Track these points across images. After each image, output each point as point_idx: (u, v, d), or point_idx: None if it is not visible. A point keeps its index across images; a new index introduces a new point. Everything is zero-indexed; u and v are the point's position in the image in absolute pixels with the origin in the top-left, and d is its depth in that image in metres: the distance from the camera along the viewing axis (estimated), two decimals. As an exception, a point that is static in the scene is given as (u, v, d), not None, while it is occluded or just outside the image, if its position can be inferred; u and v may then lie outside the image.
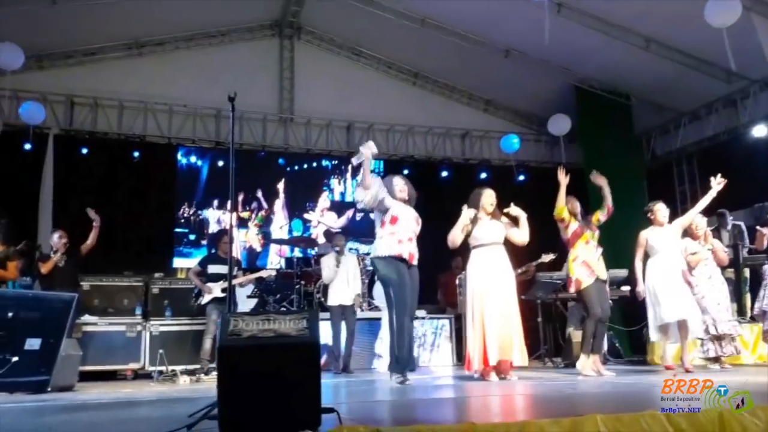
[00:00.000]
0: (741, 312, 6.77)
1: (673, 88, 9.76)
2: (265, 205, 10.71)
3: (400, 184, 5.02)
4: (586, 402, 3.44)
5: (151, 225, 9.74)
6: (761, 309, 5.64)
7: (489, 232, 5.26)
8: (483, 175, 11.04)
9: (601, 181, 5.62)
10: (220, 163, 10.45)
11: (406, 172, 9.71)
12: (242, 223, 10.50)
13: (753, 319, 6.26)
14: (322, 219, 10.95)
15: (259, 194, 10.79)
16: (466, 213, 5.21)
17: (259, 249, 10.61)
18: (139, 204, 9.71)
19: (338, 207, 11.18)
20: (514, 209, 5.29)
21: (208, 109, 10.27)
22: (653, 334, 5.81)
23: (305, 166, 11.15)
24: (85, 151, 9.68)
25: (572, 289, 5.60)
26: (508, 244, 5.38)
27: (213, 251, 7.25)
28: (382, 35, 10.53)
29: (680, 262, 5.75)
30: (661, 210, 5.79)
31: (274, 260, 10.54)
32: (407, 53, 11.06)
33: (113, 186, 9.63)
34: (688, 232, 5.99)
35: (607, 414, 2.37)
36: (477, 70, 10.71)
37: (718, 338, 5.73)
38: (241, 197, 10.51)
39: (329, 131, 11.12)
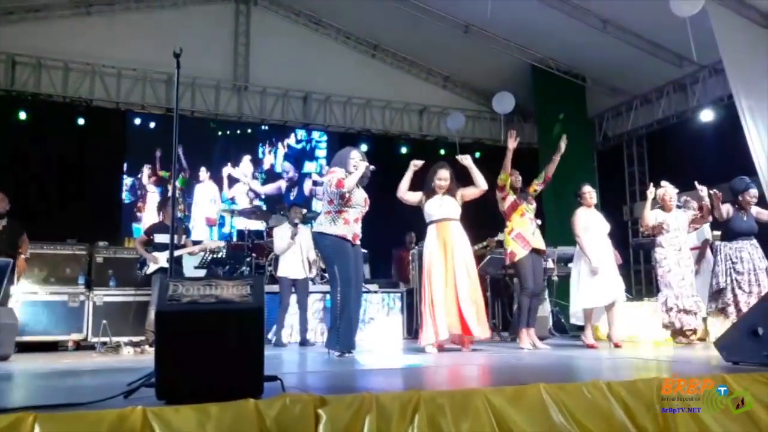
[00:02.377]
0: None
1: (627, 70, 9.94)
2: (185, 164, 10.04)
3: (356, 158, 4.91)
4: (530, 372, 3.49)
5: (97, 192, 9.40)
6: (717, 286, 5.72)
7: (441, 208, 5.30)
8: (442, 152, 10.99)
9: (562, 146, 5.66)
10: (152, 125, 9.96)
11: (363, 146, 9.65)
12: (159, 182, 9.94)
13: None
14: (248, 180, 10.63)
15: (180, 151, 10.00)
16: (413, 165, 5.28)
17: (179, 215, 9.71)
18: (85, 171, 9.35)
19: (269, 176, 10.86)
20: (461, 158, 5.36)
21: (158, 73, 9.95)
22: (575, 316, 5.84)
23: (238, 131, 10.75)
24: (27, 113, 9.23)
25: (507, 261, 5.72)
26: (472, 218, 5.44)
27: (159, 219, 7.04)
28: (342, 5, 10.35)
29: (609, 243, 5.81)
30: (589, 192, 5.84)
31: (203, 231, 10.08)
32: (367, 25, 10.92)
33: (57, 151, 9.26)
34: (660, 204, 6.00)
35: (550, 383, 2.41)
36: (436, 45, 10.65)
37: (681, 311, 5.72)
38: (158, 153, 9.97)
39: (285, 101, 10.92)
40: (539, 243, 5.61)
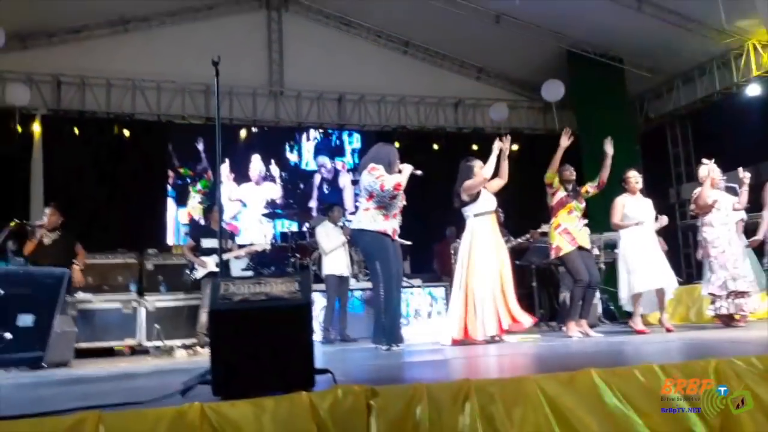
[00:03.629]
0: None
1: (666, 49, 9.67)
2: (207, 164, 10.07)
3: (395, 158, 4.94)
4: (580, 359, 3.45)
5: (143, 202, 9.66)
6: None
7: (490, 200, 5.32)
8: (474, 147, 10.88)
9: (609, 149, 5.58)
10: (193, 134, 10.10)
11: (397, 144, 9.64)
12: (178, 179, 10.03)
13: None
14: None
15: (200, 146, 10.09)
16: (498, 144, 5.19)
17: (203, 222, 9.39)
18: (131, 181, 9.62)
19: (293, 175, 10.78)
20: (500, 144, 5.28)
21: (197, 84, 10.15)
22: (626, 302, 5.71)
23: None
24: (73, 130, 9.55)
25: (553, 256, 5.65)
26: (510, 213, 5.41)
27: (206, 224, 7.20)
28: (371, 4, 10.37)
29: (653, 230, 5.70)
30: (634, 177, 5.70)
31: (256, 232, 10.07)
32: (396, 22, 10.90)
33: (104, 165, 9.54)
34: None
35: (601, 368, 2.38)
36: (467, 36, 10.55)
37: (735, 294, 5.48)
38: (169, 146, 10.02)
39: (320, 104, 11.01)
40: (585, 241, 5.56)
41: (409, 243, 5.80)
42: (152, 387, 3.05)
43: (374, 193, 4.74)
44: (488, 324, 4.98)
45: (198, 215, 10.01)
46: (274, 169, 10.68)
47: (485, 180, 5.22)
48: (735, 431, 2.30)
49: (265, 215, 9.74)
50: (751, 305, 5.56)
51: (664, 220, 6.01)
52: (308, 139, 11.02)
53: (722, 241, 5.59)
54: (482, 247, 5.16)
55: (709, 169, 5.77)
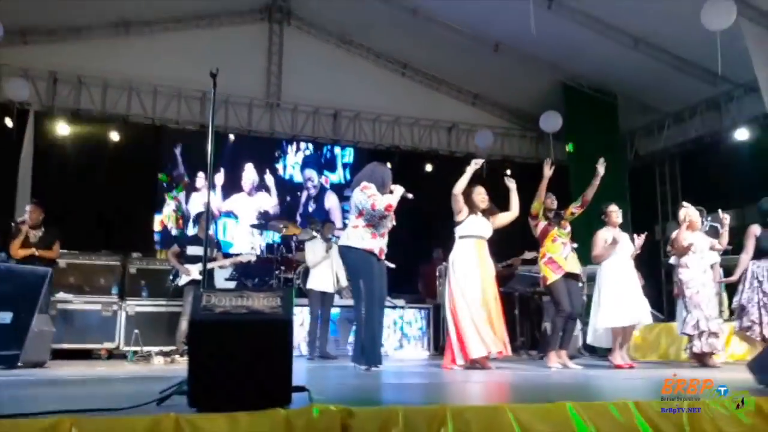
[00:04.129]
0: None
1: (659, 88, 9.85)
2: (183, 170, 10.06)
3: (388, 178, 4.99)
4: (557, 390, 3.46)
5: (131, 205, 9.62)
6: (739, 303, 5.65)
7: (480, 226, 5.35)
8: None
9: (600, 170, 5.62)
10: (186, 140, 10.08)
11: (389, 164, 9.66)
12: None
13: (731, 314, 6.29)
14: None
15: (177, 150, 10.02)
16: (475, 163, 5.26)
17: (175, 231, 9.74)
18: (120, 184, 9.58)
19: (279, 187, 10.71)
20: (509, 181, 5.47)
21: (194, 91, 10.18)
22: (594, 336, 5.77)
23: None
24: (66, 128, 9.53)
25: (542, 285, 5.70)
26: (497, 237, 5.46)
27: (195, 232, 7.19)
28: (373, 25, 10.48)
29: (631, 264, 5.77)
30: (615, 211, 5.80)
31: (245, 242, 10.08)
32: (397, 44, 11.02)
33: (94, 165, 9.50)
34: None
35: (578, 402, 2.39)
36: (466, 63, 10.70)
37: (709, 334, 5.59)
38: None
39: (316, 118, 11.07)
40: (573, 267, 5.57)
41: (392, 266, 5.82)
42: (129, 394, 3.03)
43: (364, 211, 4.76)
44: (488, 342, 5.02)
45: (171, 224, 9.95)
46: (269, 178, 10.67)
47: (455, 196, 5.27)
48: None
49: (254, 226, 9.72)
50: (719, 346, 5.67)
51: (640, 240, 6.01)
52: (298, 150, 11.01)
53: (697, 282, 5.73)
54: (463, 269, 5.21)
55: (686, 212, 5.92)
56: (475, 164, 5.26)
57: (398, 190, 4.80)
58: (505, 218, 5.46)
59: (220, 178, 10.21)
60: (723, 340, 5.76)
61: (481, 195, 5.38)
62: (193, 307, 2.24)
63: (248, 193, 10.46)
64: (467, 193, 5.35)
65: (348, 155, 11.31)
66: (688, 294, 5.73)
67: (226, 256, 7.17)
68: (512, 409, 2.31)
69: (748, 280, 5.60)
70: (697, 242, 5.83)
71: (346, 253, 4.88)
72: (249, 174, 10.52)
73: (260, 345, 2.21)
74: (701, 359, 5.67)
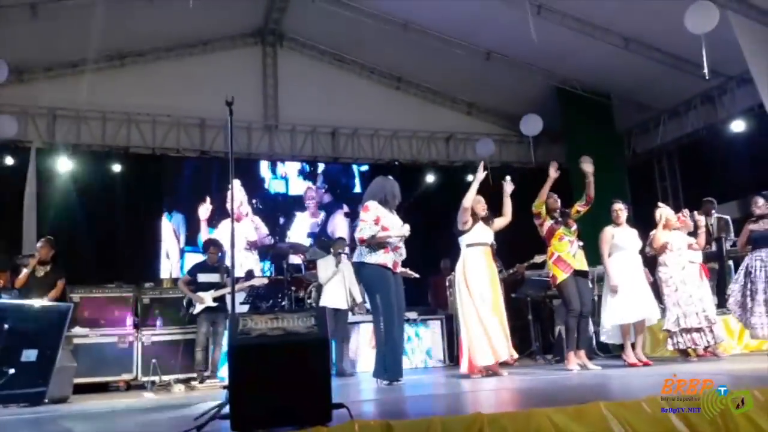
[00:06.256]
0: (724, 304, 6.87)
1: (653, 86, 9.95)
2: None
3: (396, 190, 5.08)
4: (584, 391, 3.49)
5: (137, 235, 9.66)
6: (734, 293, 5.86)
7: (485, 234, 5.44)
8: (469, 177, 11.06)
9: (588, 168, 5.66)
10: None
11: (390, 177, 9.72)
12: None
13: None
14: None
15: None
16: (482, 170, 5.33)
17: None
18: (125, 215, 9.63)
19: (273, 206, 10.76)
20: (507, 183, 5.58)
21: (191, 118, 10.24)
22: (606, 334, 5.83)
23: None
24: (68, 163, 9.56)
25: (552, 285, 5.78)
26: (502, 246, 5.54)
27: (202, 260, 7.22)
28: (364, 41, 10.58)
29: (640, 261, 5.86)
30: (622, 209, 5.90)
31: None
32: (389, 58, 11.12)
33: (99, 197, 9.55)
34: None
35: (609, 401, 2.44)
36: (459, 73, 10.80)
37: (687, 330, 5.74)
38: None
39: (314, 138, 11.15)
40: (582, 264, 5.62)
41: (416, 275, 5.88)
42: (166, 421, 3.06)
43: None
44: (498, 348, 5.06)
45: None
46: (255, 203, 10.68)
47: (466, 209, 5.33)
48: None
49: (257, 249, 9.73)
50: (709, 338, 5.76)
51: (648, 276, 6.13)
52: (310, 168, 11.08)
53: (675, 280, 5.85)
54: (473, 276, 5.27)
55: (661, 212, 6.06)
56: (480, 175, 5.34)
57: (395, 230, 4.86)
58: (499, 224, 5.56)
59: (206, 209, 10.20)
60: (717, 330, 5.87)
61: (481, 203, 5.48)
62: (231, 332, 2.28)
63: (237, 219, 10.46)
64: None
65: (350, 172, 11.39)
66: (667, 292, 5.87)
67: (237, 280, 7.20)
68: (547, 413, 2.35)
69: (742, 270, 5.90)
70: (674, 241, 5.96)
71: (360, 269, 4.94)
72: (237, 195, 10.40)
73: (299, 365, 2.26)
74: (684, 354, 5.84)
